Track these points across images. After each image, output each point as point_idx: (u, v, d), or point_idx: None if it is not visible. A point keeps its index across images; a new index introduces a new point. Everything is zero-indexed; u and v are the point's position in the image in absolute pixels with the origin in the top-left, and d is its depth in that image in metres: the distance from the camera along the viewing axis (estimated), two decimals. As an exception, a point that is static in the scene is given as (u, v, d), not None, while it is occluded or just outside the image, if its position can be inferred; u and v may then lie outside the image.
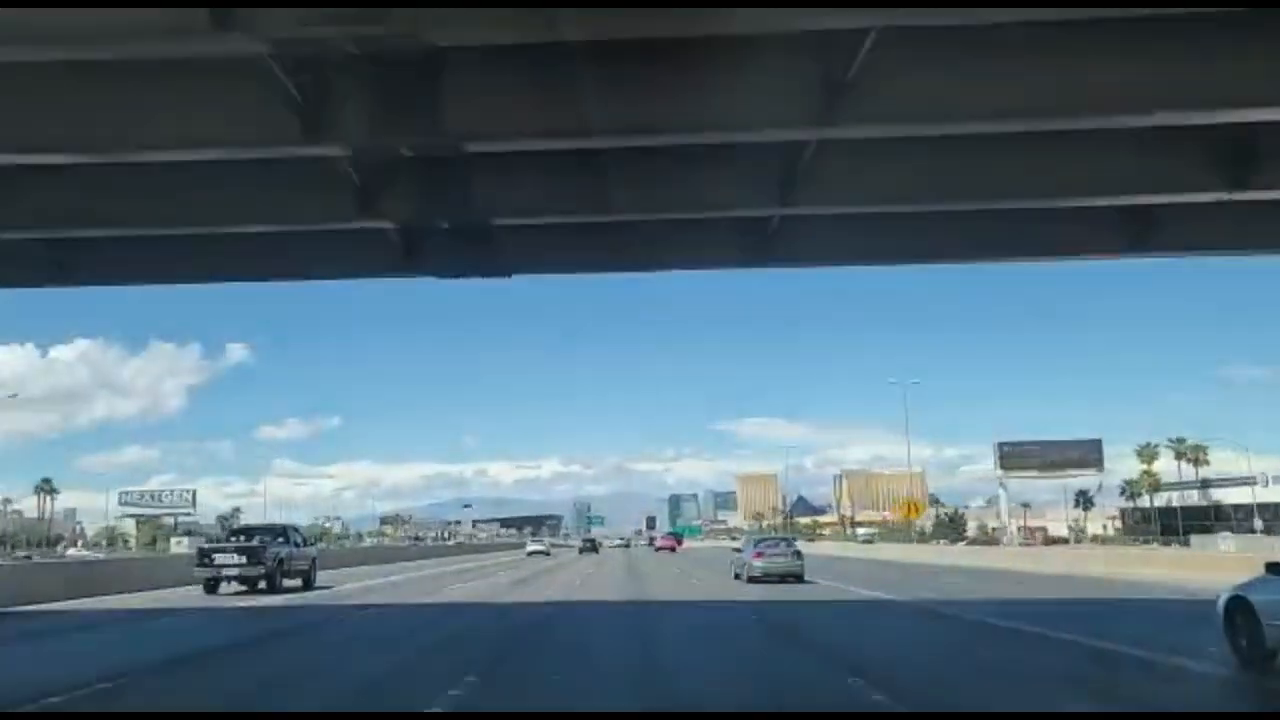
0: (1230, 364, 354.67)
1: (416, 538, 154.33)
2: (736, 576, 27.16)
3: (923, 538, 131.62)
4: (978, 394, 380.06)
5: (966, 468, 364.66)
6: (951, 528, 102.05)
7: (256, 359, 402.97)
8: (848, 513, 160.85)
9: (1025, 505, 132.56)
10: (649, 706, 7.96)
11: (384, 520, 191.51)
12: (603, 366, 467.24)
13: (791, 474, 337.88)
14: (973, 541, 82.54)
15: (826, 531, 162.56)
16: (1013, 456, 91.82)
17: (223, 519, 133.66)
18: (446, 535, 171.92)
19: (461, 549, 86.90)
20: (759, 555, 26.44)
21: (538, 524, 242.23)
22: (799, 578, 25.66)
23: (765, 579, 25.32)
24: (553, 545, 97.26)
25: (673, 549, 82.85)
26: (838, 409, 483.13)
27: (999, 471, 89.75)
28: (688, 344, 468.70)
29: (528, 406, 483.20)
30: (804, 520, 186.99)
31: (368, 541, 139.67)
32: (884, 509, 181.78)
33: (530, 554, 70.22)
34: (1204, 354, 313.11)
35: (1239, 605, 9.40)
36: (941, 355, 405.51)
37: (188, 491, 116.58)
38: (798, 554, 26.91)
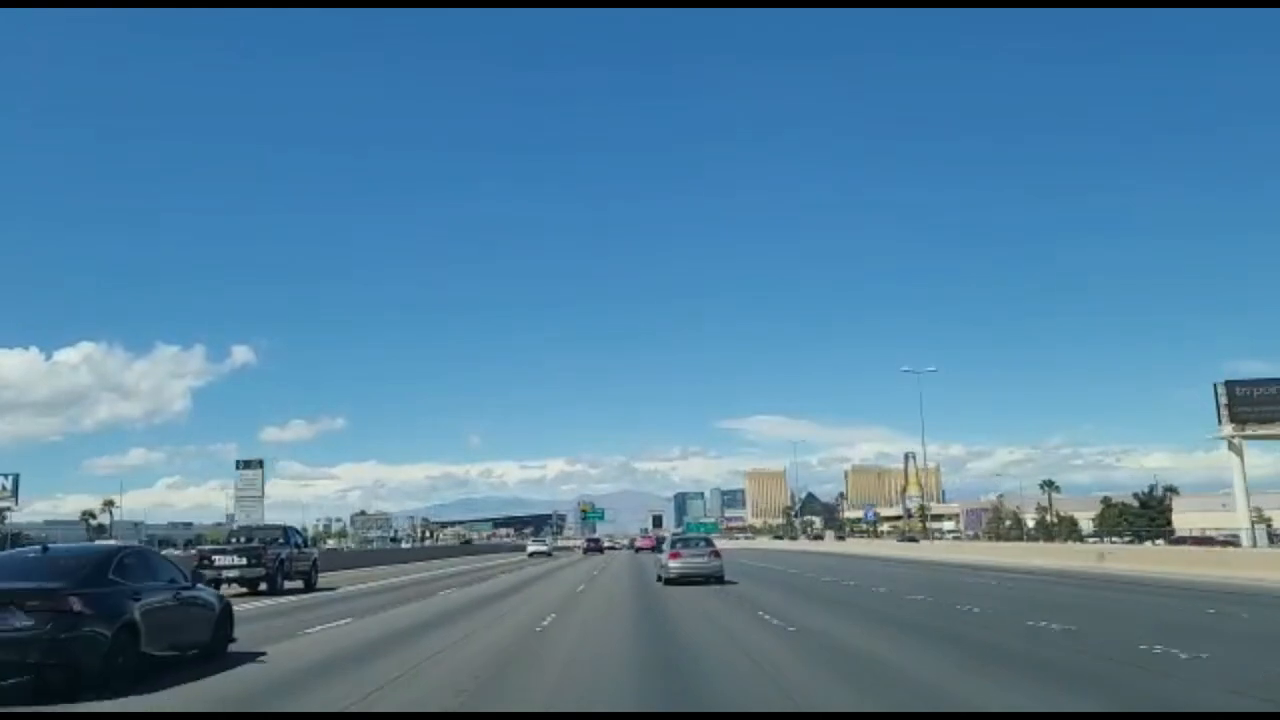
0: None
1: (394, 539, 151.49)
2: (659, 579, 26.26)
3: (1021, 533, 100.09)
4: (982, 392, 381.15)
5: (974, 464, 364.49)
6: (1143, 518, 72.45)
7: (260, 361, 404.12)
8: (911, 505, 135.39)
9: (1168, 491, 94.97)
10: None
11: (354, 520, 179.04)
12: (607, 365, 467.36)
13: (800, 470, 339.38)
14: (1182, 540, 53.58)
15: (886, 528, 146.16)
16: (1250, 403, 53.89)
17: (87, 516, 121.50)
18: (430, 536, 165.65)
19: (428, 553, 74.96)
20: (675, 556, 25.52)
21: (539, 524, 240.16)
22: (719, 579, 24.96)
23: (682, 581, 24.46)
24: (554, 547, 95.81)
25: (653, 548, 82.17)
26: (842, 407, 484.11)
27: (1227, 428, 53.91)
28: (692, 342, 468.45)
29: (533, 406, 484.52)
30: (852, 515, 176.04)
31: (330, 543, 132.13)
32: (895, 505, 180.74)
33: (531, 555, 70.30)
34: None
35: None
36: (944, 352, 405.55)
37: (6, 478, 79.34)
38: (715, 554, 26.16)
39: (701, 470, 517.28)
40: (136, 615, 9.28)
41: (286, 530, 27.18)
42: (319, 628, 15.02)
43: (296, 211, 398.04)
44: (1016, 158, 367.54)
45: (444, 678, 9.45)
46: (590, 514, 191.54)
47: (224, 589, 23.17)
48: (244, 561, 23.13)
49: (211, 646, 11.06)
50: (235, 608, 12.50)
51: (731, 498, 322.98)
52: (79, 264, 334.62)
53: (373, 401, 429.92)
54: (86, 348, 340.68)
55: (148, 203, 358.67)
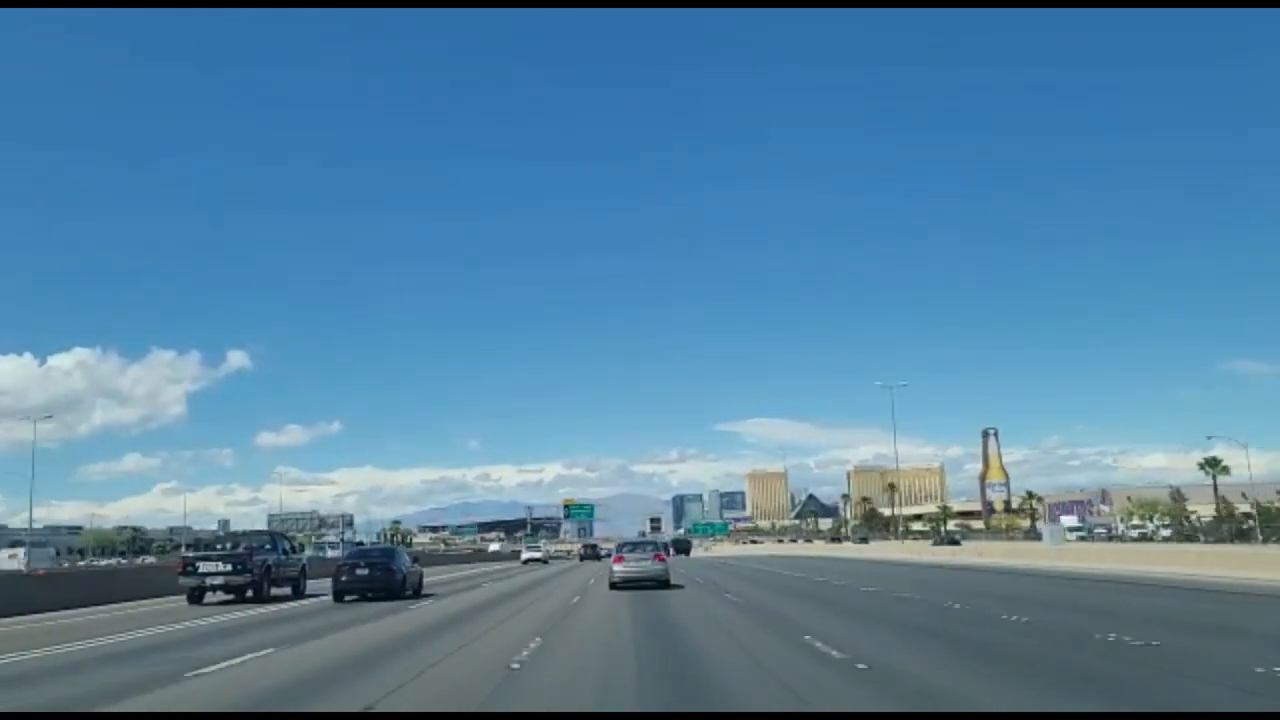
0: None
1: (360, 543, 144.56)
2: (610, 584, 26.09)
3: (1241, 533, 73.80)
4: (975, 393, 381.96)
5: (971, 466, 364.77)
6: None
7: (256, 366, 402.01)
8: (995, 495, 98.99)
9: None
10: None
11: (272, 520, 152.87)
12: (605, 369, 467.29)
13: (797, 473, 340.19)
14: None
15: (956, 526, 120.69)
16: None
17: None
18: (404, 541, 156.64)
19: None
20: (619, 560, 26.16)
21: (534, 528, 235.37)
22: (665, 583, 25.33)
23: (625, 585, 24.82)
24: (550, 554, 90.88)
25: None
26: (839, 410, 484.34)
27: None
28: (690, 345, 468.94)
29: (530, 410, 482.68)
30: (910, 512, 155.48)
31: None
32: (901, 506, 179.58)
33: (526, 562, 68.33)
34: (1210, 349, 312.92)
35: None
36: (939, 356, 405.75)
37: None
38: (660, 559, 26.56)
39: (699, 473, 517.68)
40: (405, 570, 24.70)
41: (274, 536, 26.84)
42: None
43: (293, 216, 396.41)
44: (1012, 158, 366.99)
45: None
46: (576, 511, 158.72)
47: (209, 596, 23.28)
48: (229, 568, 22.71)
49: (419, 589, 26.14)
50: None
51: (730, 500, 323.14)
52: (73, 269, 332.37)
53: (369, 406, 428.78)
54: (81, 353, 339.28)
55: (143, 206, 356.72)
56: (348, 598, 23.31)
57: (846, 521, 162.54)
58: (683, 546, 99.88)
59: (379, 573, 23.67)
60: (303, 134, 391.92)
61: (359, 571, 23.68)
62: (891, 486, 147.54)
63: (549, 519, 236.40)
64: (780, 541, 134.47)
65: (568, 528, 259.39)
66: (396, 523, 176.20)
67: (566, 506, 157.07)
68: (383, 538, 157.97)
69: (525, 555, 73.85)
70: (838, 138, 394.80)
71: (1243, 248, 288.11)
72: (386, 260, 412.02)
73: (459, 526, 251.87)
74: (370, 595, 23.38)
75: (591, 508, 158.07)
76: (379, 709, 8.05)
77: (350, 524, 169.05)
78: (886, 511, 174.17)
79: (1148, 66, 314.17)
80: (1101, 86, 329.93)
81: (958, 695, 8.32)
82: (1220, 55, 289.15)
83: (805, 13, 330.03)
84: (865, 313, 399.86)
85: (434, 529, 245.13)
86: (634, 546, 28.26)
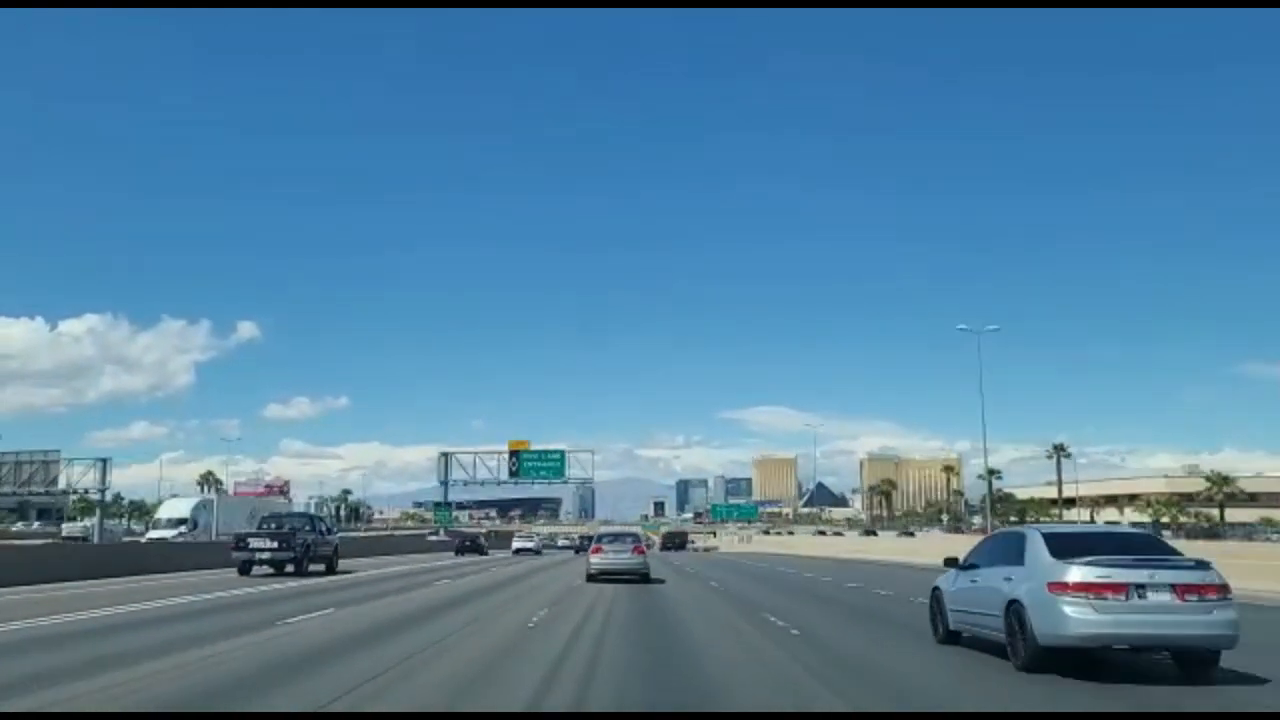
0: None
1: (294, 514, 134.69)
2: (587, 576, 25.47)
3: None
4: (986, 388, 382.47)
5: (977, 461, 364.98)
6: None
7: (265, 337, 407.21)
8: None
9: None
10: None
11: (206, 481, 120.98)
12: (612, 352, 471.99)
13: (802, 461, 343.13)
14: None
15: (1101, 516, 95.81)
16: None
17: None
18: (361, 519, 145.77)
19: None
20: (597, 551, 25.86)
21: (532, 509, 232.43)
22: (645, 576, 25.11)
23: (603, 577, 24.47)
24: (543, 542, 74.95)
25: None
26: (845, 401, 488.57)
27: None
28: (696, 333, 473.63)
29: (536, 391, 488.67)
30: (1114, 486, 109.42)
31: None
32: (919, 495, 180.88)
33: (517, 551, 62.00)
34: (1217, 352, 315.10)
35: (935, 593, 12.22)
36: (945, 350, 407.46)
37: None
38: (639, 550, 26.42)
39: (704, 459, 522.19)
40: (484, 541, 68.71)
41: (312, 518, 29.68)
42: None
43: (308, 190, 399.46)
44: (1021, 157, 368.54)
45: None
46: (529, 462, 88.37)
47: (255, 570, 25.99)
48: (275, 545, 25.47)
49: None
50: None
51: (735, 486, 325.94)
52: (86, 234, 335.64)
53: (377, 382, 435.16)
54: (91, 319, 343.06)
55: (158, 175, 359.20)
56: (460, 555, 54.57)
57: (915, 511, 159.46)
58: (677, 541, 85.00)
59: (474, 543, 62.80)
60: (317, 114, 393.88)
61: (467, 544, 61.10)
62: (1059, 448, 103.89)
63: (548, 500, 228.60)
64: (792, 534, 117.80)
65: (569, 508, 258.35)
66: (347, 492, 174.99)
67: (514, 452, 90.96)
68: (329, 508, 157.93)
69: (516, 544, 66.32)
70: (850, 132, 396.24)
71: (1253, 252, 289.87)
72: (399, 239, 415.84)
73: (436, 504, 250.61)
74: (469, 553, 57.28)
75: (561, 457, 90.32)
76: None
77: (284, 491, 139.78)
78: (1023, 493, 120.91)
79: (1161, 71, 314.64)
80: (1111, 86, 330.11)
81: None
82: (1232, 60, 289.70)
83: (826, 11, 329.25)
84: (870, 307, 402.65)
85: (418, 504, 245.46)
86: (614, 538, 27.82)
